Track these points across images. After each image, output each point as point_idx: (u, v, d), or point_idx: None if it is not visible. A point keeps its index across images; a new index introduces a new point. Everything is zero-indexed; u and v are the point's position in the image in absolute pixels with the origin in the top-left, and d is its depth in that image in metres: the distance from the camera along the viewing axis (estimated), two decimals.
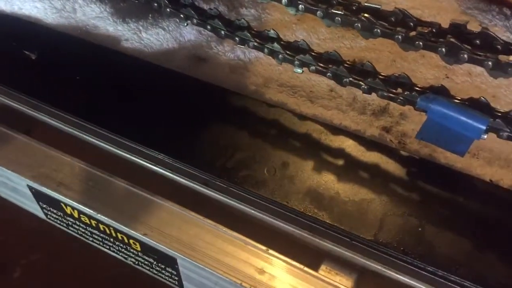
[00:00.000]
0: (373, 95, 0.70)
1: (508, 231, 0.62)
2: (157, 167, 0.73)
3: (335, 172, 0.70)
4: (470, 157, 0.71)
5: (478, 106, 0.63)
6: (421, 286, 0.60)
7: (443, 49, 0.57)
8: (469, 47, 0.57)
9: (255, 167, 0.71)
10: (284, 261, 0.65)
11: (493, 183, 0.68)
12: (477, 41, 0.57)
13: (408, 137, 0.73)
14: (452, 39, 0.56)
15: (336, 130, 0.76)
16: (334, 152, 0.73)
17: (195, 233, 0.68)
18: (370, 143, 0.74)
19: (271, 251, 0.66)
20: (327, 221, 0.65)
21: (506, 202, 0.66)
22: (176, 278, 0.71)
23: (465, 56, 0.56)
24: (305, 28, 0.92)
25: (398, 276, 0.62)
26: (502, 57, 0.56)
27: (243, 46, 0.78)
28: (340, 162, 0.71)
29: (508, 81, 0.79)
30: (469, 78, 0.81)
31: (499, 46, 0.56)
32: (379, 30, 0.61)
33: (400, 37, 0.60)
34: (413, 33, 0.59)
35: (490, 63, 0.55)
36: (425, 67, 0.84)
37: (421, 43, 0.58)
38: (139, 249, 0.70)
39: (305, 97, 0.81)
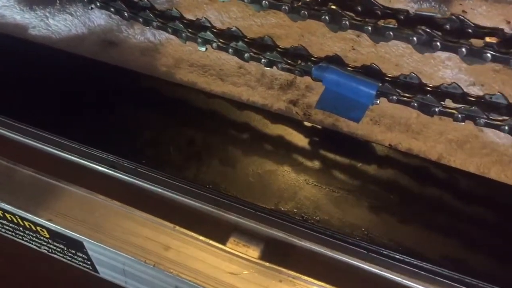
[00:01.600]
0: (282, 70, 0.72)
1: (404, 192, 0.65)
2: (63, 152, 0.72)
3: (241, 147, 0.71)
4: (372, 124, 0.74)
5: (369, 73, 0.65)
6: (322, 250, 0.62)
7: (327, 17, 0.59)
8: (351, 13, 0.59)
9: (163, 147, 0.71)
10: (190, 236, 0.65)
11: (392, 147, 0.70)
12: (358, 8, 0.58)
13: (313, 109, 0.75)
14: (333, 7, 0.58)
15: (245, 106, 0.77)
16: (241, 127, 0.73)
17: (102, 215, 0.67)
18: (277, 117, 0.75)
19: (177, 228, 0.66)
20: (233, 195, 0.66)
21: (404, 164, 0.68)
22: (89, 263, 0.71)
23: (347, 23, 0.58)
24: (216, 8, 0.92)
25: (302, 243, 0.64)
26: (381, 22, 0.58)
27: (147, 27, 0.78)
28: (246, 136, 0.72)
29: (410, 51, 0.82)
30: (374, 49, 0.83)
31: (379, 12, 0.58)
32: (267, 2, 0.62)
33: (286, 7, 0.61)
34: (298, 4, 0.60)
35: (369, 28, 0.57)
36: (332, 41, 0.85)
37: (306, 12, 0.60)
38: (47, 236, 0.70)
39: (215, 75, 0.82)
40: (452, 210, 0.62)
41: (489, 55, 0.54)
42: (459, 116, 0.60)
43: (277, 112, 0.76)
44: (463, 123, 0.62)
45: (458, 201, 0.63)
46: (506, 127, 0.58)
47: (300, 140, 0.72)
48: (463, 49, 0.56)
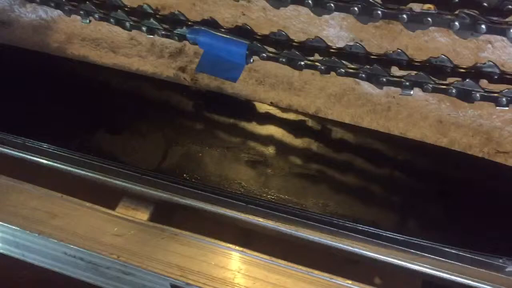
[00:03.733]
0: (162, 37, 0.73)
1: (280, 144, 0.67)
2: None
3: (128, 114, 0.72)
4: (257, 84, 0.76)
5: (240, 33, 0.67)
6: (204, 206, 0.65)
7: None
8: None
9: (52, 120, 0.72)
10: (77, 203, 0.67)
11: (273, 104, 0.73)
12: None
13: (197, 73, 0.77)
14: None
15: (134, 75, 0.78)
16: (129, 96, 0.75)
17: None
18: (165, 84, 0.77)
19: (65, 196, 0.67)
20: (118, 161, 0.68)
21: (282, 119, 0.70)
22: None
23: None
24: None
25: (187, 201, 0.65)
26: None
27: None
28: (134, 104, 0.74)
29: (297, 13, 0.84)
30: (263, 13, 0.86)
31: None
32: None
33: None
34: None
35: None
36: (224, 8, 0.87)
37: None
38: None
39: (107, 48, 0.83)
40: (324, 158, 0.65)
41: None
42: (322, 68, 0.63)
43: (166, 79, 0.77)
44: (340, 77, 0.65)
45: (329, 149, 0.66)
46: (364, 75, 0.61)
47: (186, 104, 0.74)
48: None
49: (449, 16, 0.52)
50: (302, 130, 0.69)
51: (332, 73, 0.63)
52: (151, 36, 0.73)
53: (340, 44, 0.66)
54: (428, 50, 0.76)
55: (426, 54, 0.60)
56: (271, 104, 0.73)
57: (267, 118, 0.71)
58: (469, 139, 0.67)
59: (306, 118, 0.70)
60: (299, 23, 0.84)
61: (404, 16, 0.54)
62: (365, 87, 0.73)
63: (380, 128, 0.69)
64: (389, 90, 0.73)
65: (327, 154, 0.66)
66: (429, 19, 0.53)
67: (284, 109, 0.72)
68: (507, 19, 0.53)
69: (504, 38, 0.78)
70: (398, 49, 0.61)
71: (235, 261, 0.60)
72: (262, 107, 0.72)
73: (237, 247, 0.61)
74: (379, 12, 0.54)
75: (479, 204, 0.60)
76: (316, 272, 0.59)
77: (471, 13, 0.51)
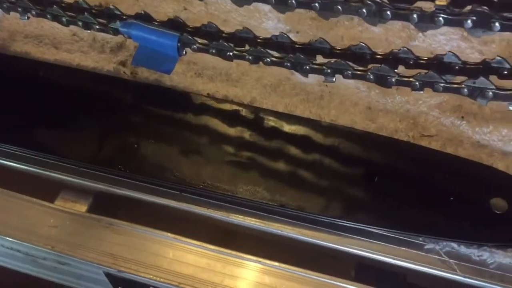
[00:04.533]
0: (97, 31, 0.74)
1: (214, 133, 0.69)
2: None
3: (66, 110, 0.73)
4: (196, 77, 0.77)
5: (173, 25, 0.69)
6: (141, 196, 0.66)
7: None
8: None
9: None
10: (17, 198, 0.68)
11: (210, 95, 0.75)
12: None
13: (137, 67, 0.78)
14: None
15: (75, 70, 0.79)
16: (69, 91, 0.76)
17: None
18: (105, 78, 0.78)
19: (3, 190, 0.68)
20: (57, 154, 0.69)
21: (217, 109, 0.72)
22: None
23: None
24: None
25: (123, 191, 0.67)
26: None
27: None
28: (74, 99, 0.75)
29: (235, 7, 0.86)
30: (205, 8, 0.87)
31: None
32: None
33: None
34: None
35: None
36: (166, 3, 0.88)
37: None
38: None
39: (49, 44, 0.83)
40: (255, 146, 0.67)
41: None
42: (250, 57, 0.65)
43: (107, 73, 0.79)
44: (277, 68, 0.66)
45: (261, 137, 0.68)
46: (289, 64, 0.63)
47: (125, 97, 0.75)
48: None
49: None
50: (236, 120, 0.70)
51: (266, 63, 0.65)
52: (89, 31, 0.75)
53: None
54: (362, 40, 0.78)
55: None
56: (208, 95, 0.74)
57: (203, 109, 0.72)
58: (396, 124, 0.69)
59: (241, 108, 0.72)
60: (239, 16, 0.85)
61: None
62: (300, 77, 0.75)
63: (312, 116, 0.71)
64: (321, 79, 0.75)
65: (258, 142, 0.68)
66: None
67: (220, 100, 0.73)
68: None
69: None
70: (320, 37, 0.63)
71: (168, 248, 0.62)
72: (199, 99, 0.74)
73: (170, 235, 0.63)
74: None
75: (402, 185, 0.63)
76: (246, 256, 0.61)
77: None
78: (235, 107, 0.72)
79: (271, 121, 0.70)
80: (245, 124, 0.70)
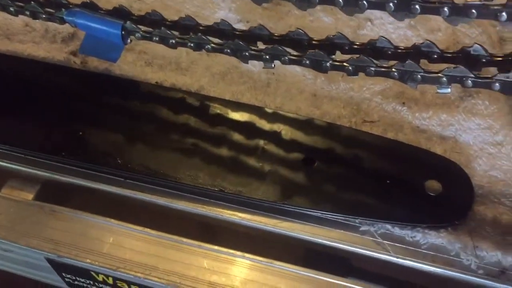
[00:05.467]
0: (44, 20, 0.74)
1: (159, 121, 0.70)
2: None
3: (15, 99, 0.73)
4: (145, 66, 0.78)
5: (118, 14, 0.69)
6: (83, 183, 0.66)
7: None
8: None
9: None
10: None
11: (158, 84, 0.75)
12: None
13: (87, 56, 0.79)
14: None
15: (27, 61, 0.79)
16: (19, 80, 0.76)
17: None
18: (56, 68, 0.78)
19: None
20: (5, 143, 0.69)
21: (165, 97, 0.73)
22: None
23: None
24: None
25: (69, 179, 0.67)
26: None
27: None
28: (24, 88, 0.75)
29: None
30: None
31: None
32: None
33: None
34: None
35: None
36: None
37: None
38: None
39: (2, 35, 0.83)
40: (199, 133, 0.68)
41: None
42: (192, 45, 0.65)
43: (58, 63, 0.79)
44: (226, 57, 0.66)
45: (206, 124, 0.68)
46: (229, 50, 0.64)
47: (74, 86, 0.75)
48: None
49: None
50: (182, 107, 0.71)
51: (208, 50, 0.66)
52: (41, 22, 0.75)
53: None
54: (312, 29, 0.79)
55: (310, 33, 0.63)
56: (156, 83, 0.75)
57: (150, 97, 0.73)
58: (339, 110, 0.70)
59: (188, 96, 0.73)
60: (192, 7, 0.86)
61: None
62: (248, 65, 0.76)
63: (258, 103, 0.72)
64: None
65: (203, 129, 0.68)
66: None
67: (167, 88, 0.74)
68: None
69: (383, 15, 0.82)
70: (260, 24, 0.64)
71: (109, 233, 0.62)
72: (147, 87, 0.74)
73: (112, 220, 0.64)
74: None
75: (341, 169, 0.64)
76: (185, 240, 0.61)
77: None
78: (182, 95, 0.73)
79: (216, 109, 0.71)
80: (191, 112, 0.70)
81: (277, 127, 0.68)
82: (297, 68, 0.75)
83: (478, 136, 0.65)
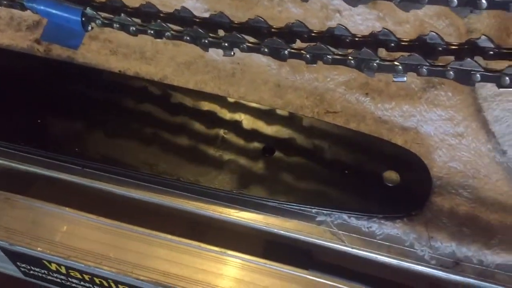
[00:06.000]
0: (5, 6, 0.73)
1: (120, 109, 0.69)
2: None
3: None
4: (110, 54, 0.77)
5: (78, 0, 0.68)
6: (41, 172, 0.65)
7: None
8: None
9: None
10: None
11: (121, 73, 0.74)
12: None
13: (51, 44, 0.78)
14: None
15: None
16: None
17: None
18: (19, 55, 0.77)
19: None
20: None
21: (128, 86, 0.72)
22: None
23: None
24: None
25: (25, 167, 0.66)
26: None
27: None
28: None
29: None
30: None
31: None
32: None
33: None
34: None
35: None
36: None
37: None
38: None
39: None
40: (159, 122, 0.67)
41: None
42: (152, 32, 0.64)
43: (21, 51, 0.78)
44: (192, 47, 0.65)
45: (166, 113, 0.68)
46: (188, 38, 0.63)
47: (35, 73, 0.74)
48: None
49: None
50: (143, 96, 0.70)
51: (167, 37, 0.65)
52: (6, 10, 0.74)
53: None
54: (280, 20, 0.78)
55: (278, 23, 0.62)
56: (119, 72, 0.74)
57: (112, 86, 0.72)
58: (302, 100, 0.69)
59: (150, 85, 0.72)
60: None
61: None
62: (213, 55, 0.75)
63: (221, 92, 0.71)
64: (233, 57, 0.75)
65: (163, 118, 0.67)
66: None
67: (130, 77, 0.73)
68: None
69: (352, 7, 0.82)
70: (220, 11, 0.63)
71: (63, 221, 0.62)
72: (109, 75, 0.73)
73: (67, 209, 0.63)
74: None
75: (300, 159, 0.63)
76: (139, 229, 0.60)
77: None
78: (144, 83, 0.72)
79: (178, 98, 0.70)
80: (152, 101, 0.69)
81: (238, 116, 0.67)
82: (262, 58, 0.74)
83: (439, 127, 0.65)
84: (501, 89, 0.61)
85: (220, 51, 0.64)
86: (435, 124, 0.65)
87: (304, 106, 0.69)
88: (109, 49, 0.78)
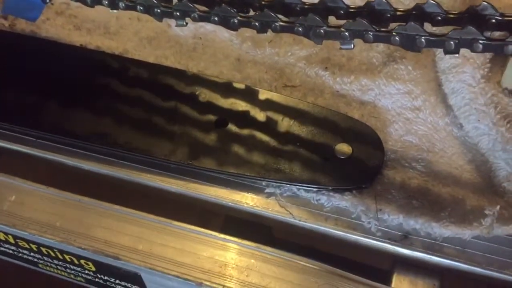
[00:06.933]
0: None
1: (78, 82, 0.68)
2: None
3: None
4: (74, 30, 0.76)
5: None
6: (12, 147, 0.65)
7: None
8: None
9: None
10: None
11: (82, 47, 0.74)
12: None
13: (17, 18, 0.77)
14: None
15: None
16: None
17: None
18: None
19: None
20: None
21: (88, 60, 0.71)
22: None
23: None
24: None
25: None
26: None
27: None
28: None
29: None
30: None
31: None
32: None
33: None
34: None
35: None
36: None
37: None
38: None
39: None
40: (116, 94, 0.66)
41: None
42: (106, 2, 0.64)
43: None
44: (156, 22, 0.64)
45: (123, 86, 0.67)
46: (142, 8, 0.62)
47: (5, 49, 0.74)
48: None
49: None
50: (101, 69, 0.70)
51: (121, 8, 0.64)
52: None
53: None
54: None
55: None
56: (80, 46, 0.74)
57: (71, 59, 0.71)
58: (262, 74, 0.68)
59: (109, 58, 0.71)
60: None
61: None
62: (176, 30, 0.74)
63: (180, 66, 0.70)
64: (196, 32, 0.74)
65: (118, 90, 0.67)
66: None
67: (89, 50, 0.73)
68: None
69: None
70: None
71: (12, 191, 0.61)
72: (68, 49, 0.73)
73: (16, 178, 0.62)
74: None
75: (253, 132, 0.61)
76: (86, 198, 0.60)
77: None
78: (103, 57, 0.71)
79: (135, 71, 0.69)
80: (109, 74, 0.69)
81: (195, 89, 0.66)
82: (225, 33, 0.73)
83: (396, 101, 0.63)
84: (458, 61, 0.60)
85: (184, 27, 0.63)
86: (393, 98, 0.64)
87: (263, 80, 0.68)
88: (73, 24, 0.77)
